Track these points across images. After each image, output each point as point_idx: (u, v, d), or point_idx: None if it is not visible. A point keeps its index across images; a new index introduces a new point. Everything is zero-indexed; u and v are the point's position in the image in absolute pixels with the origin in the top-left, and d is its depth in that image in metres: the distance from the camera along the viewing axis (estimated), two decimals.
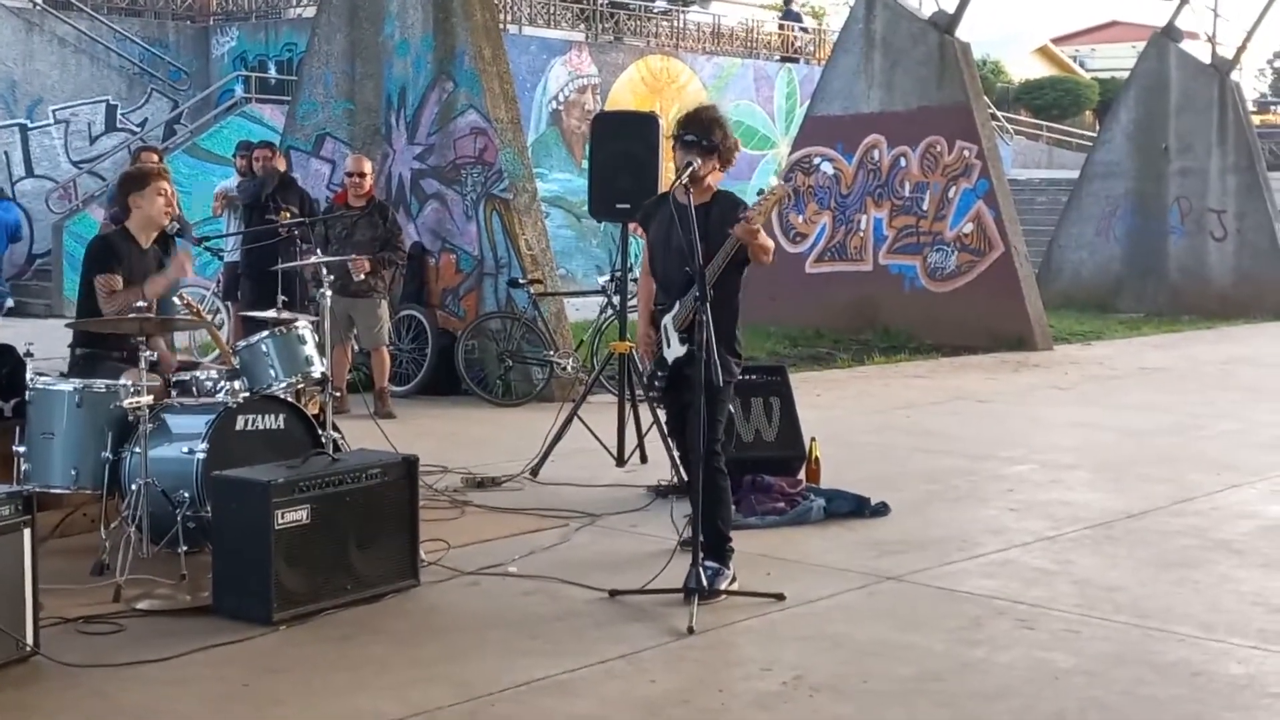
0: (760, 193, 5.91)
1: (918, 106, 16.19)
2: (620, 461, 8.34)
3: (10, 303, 17.73)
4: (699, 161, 5.77)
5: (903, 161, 16.28)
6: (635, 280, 8.90)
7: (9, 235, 18.99)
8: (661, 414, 7.06)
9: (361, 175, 10.34)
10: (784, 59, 28.24)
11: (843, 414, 10.58)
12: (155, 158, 9.88)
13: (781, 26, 29.62)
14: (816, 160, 17.07)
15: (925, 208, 16.11)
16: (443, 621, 5.38)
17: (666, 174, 7.27)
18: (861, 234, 16.56)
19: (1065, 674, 4.81)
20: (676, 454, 6.74)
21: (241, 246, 11.19)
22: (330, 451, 6.06)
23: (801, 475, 7.57)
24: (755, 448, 7.58)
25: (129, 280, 6.60)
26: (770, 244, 5.86)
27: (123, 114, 21.48)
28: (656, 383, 6.12)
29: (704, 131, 5.87)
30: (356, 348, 10.67)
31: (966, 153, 15.77)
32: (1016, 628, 5.33)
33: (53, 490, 6.02)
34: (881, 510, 7.19)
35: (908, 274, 16.27)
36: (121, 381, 6.02)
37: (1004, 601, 5.66)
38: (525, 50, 22.58)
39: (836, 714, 4.41)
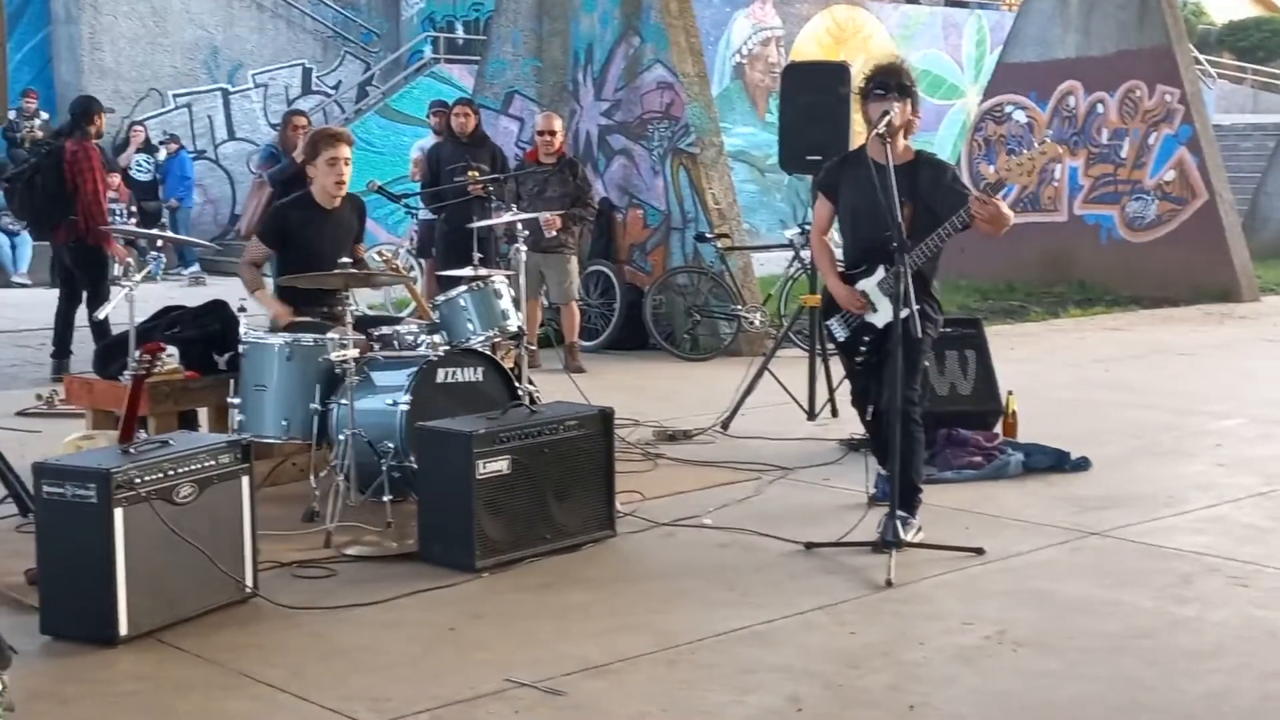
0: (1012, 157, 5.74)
1: (1116, 51, 15.66)
2: (811, 415, 8.31)
3: (196, 268, 18.38)
4: (895, 109, 5.65)
5: (1100, 108, 15.78)
6: None
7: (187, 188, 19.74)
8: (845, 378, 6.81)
9: (552, 133, 10.43)
10: (950, 2, 27.37)
11: (1038, 368, 10.35)
12: (304, 121, 10.04)
13: None
14: (1008, 109, 16.65)
15: (1124, 155, 15.60)
16: (640, 571, 5.44)
17: (857, 126, 7.18)
18: (1056, 184, 16.11)
19: None
20: (864, 418, 6.33)
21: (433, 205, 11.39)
22: (528, 404, 6.16)
23: (998, 429, 7.44)
24: (950, 401, 7.47)
25: (318, 246, 6.68)
26: (1010, 216, 5.70)
27: (318, 77, 22.09)
28: (862, 348, 5.92)
29: (893, 76, 5.75)
30: (546, 303, 10.82)
31: (1168, 97, 15.21)
32: (1229, 585, 5.16)
33: (265, 440, 6.23)
34: (1082, 465, 7.03)
35: (1105, 224, 15.80)
36: (329, 335, 6.21)
37: (1215, 558, 5.48)
38: (709, 4, 22.47)
39: (1041, 669, 4.34)
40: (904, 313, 5.42)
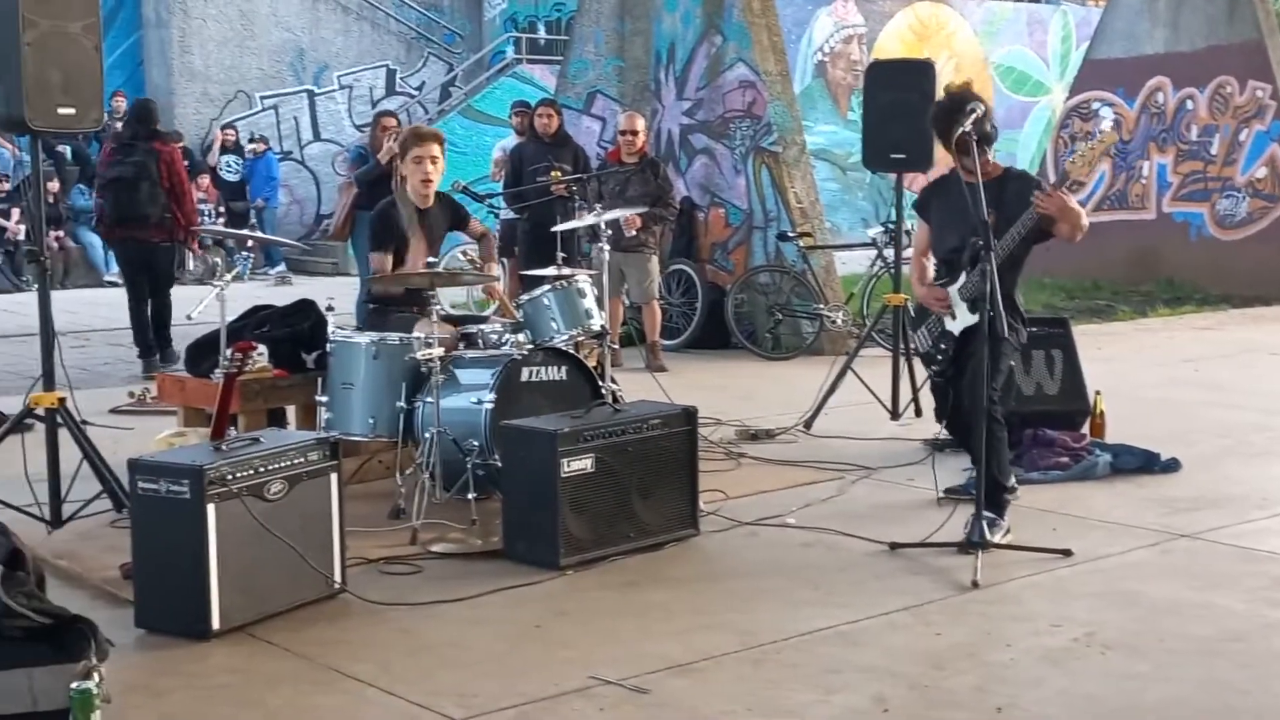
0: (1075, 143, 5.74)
1: (1206, 46, 15.40)
2: (895, 415, 8.26)
3: (282, 267, 18.66)
4: (981, 107, 5.63)
5: (1189, 104, 15.53)
6: (908, 232, 8.81)
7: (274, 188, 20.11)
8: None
9: (634, 133, 10.44)
10: None
11: (1126, 367, 10.21)
12: (392, 122, 10.19)
13: None
14: (1095, 105, 16.44)
15: (1214, 152, 15.34)
16: (724, 570, 5.44)
17: None
18: (1144, 181, 15.89)
19: None
20: (950, 433, 6.36)
21: (516, 205, 11.46)
22: (611, 403, 6.18)
23: (1085, 430, 7.35)
24: (1036, 401, 7.39)
25: (406, 249, 6.77)
26: (1082, 214, 5.72)
27: (401, 78, 22.29)
28: (939, 356, 5.99)
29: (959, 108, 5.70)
30: (627, 302, 10.84)
31: (1260, 93, 14.93)
32: None
33: (352, 438, 6.29)
34: (1172, 466, 6.92)
35: (1194, 222, 15.54)
36: (414, 334, 6.26)
37: None
38: (791, 1, 22.36)
39: (1132, 672, 4.29)
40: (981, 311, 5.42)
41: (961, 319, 5.84)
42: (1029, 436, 7.03)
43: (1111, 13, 16.70)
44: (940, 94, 5.94)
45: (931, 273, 6.09)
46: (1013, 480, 5.97)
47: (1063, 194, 5.64)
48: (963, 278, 5.79)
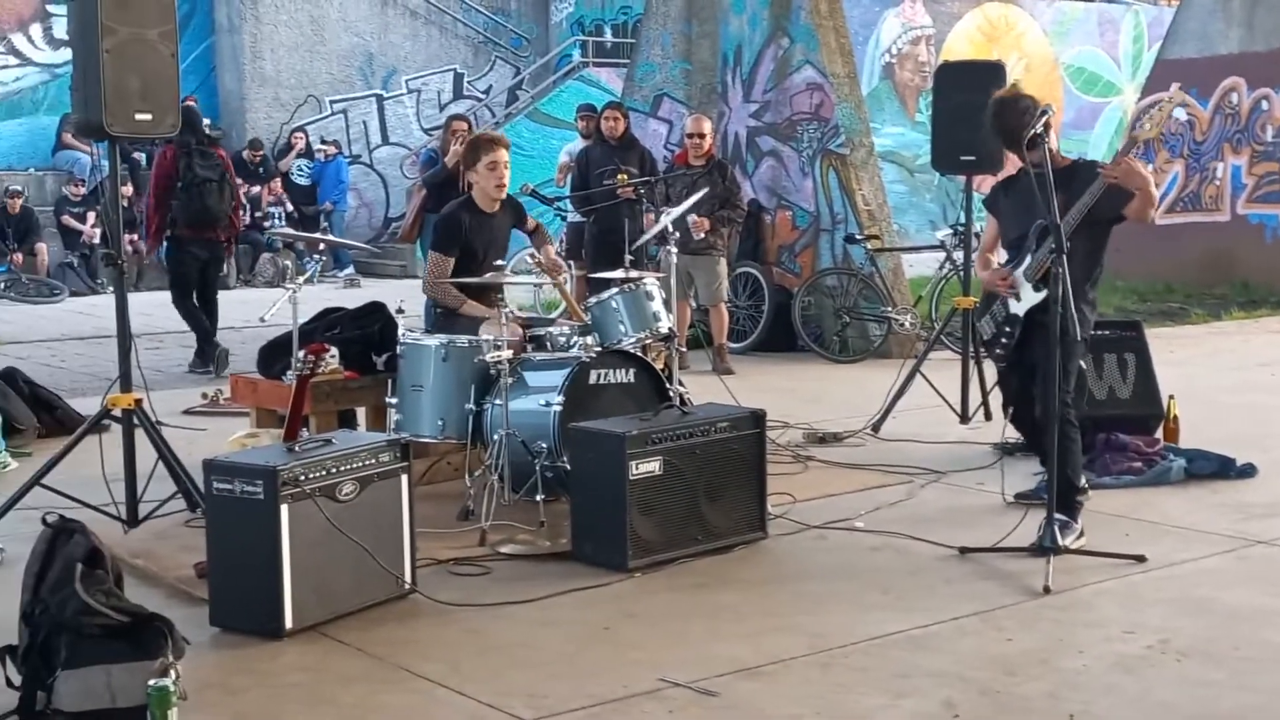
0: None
1: None
2: (964, 418, 8.20)
3: (351, 269, 18.82)
4: (1054, 109, 5.62)
5: (1265, 105, 15.29)
6: (977, 235, 8.74)
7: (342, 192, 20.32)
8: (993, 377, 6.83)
9: (701, 136, 10.44)
10: None
11: (1200, 371, 10.07)
12: (465, 126, 10.25)
13: None
14: None
15: None
16: (792, 573, 5.43)
17: None
18: (1218, 183, 15.66)
19: None
20: (1014, 425, 6.31)
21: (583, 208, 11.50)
22: (679, 405, 6.18)
23: (1159, 434, 7.26)
24: (1109, 405, 7.30)
25: (476, 250, 6.84)
26: (1150, 180, 5.61)
27: (469, 82, 22.42)
28: (1004, 339, 5.96)
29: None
30: (694, 304, 10.84)
31: None
32: None
33: (422, 439, 6.32)
34: (1248, 471, 6.82)
35: (1269, 224, 15.30)
36: (484, 336, 6.30)
37: None
38: (858, 3, 22.26)
39: (1205, 679, 4.23)
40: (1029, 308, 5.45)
41: (1026, 299, 5.81)
42: (1101, 441, 6.95)
43: (1185, 12, 16.49)
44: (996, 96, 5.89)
45: (996, 266, 6.07)
46: (1084, 481, 5.92)
47: (1129, 159, 5.54)
48: (1028, 259, 5.76)
